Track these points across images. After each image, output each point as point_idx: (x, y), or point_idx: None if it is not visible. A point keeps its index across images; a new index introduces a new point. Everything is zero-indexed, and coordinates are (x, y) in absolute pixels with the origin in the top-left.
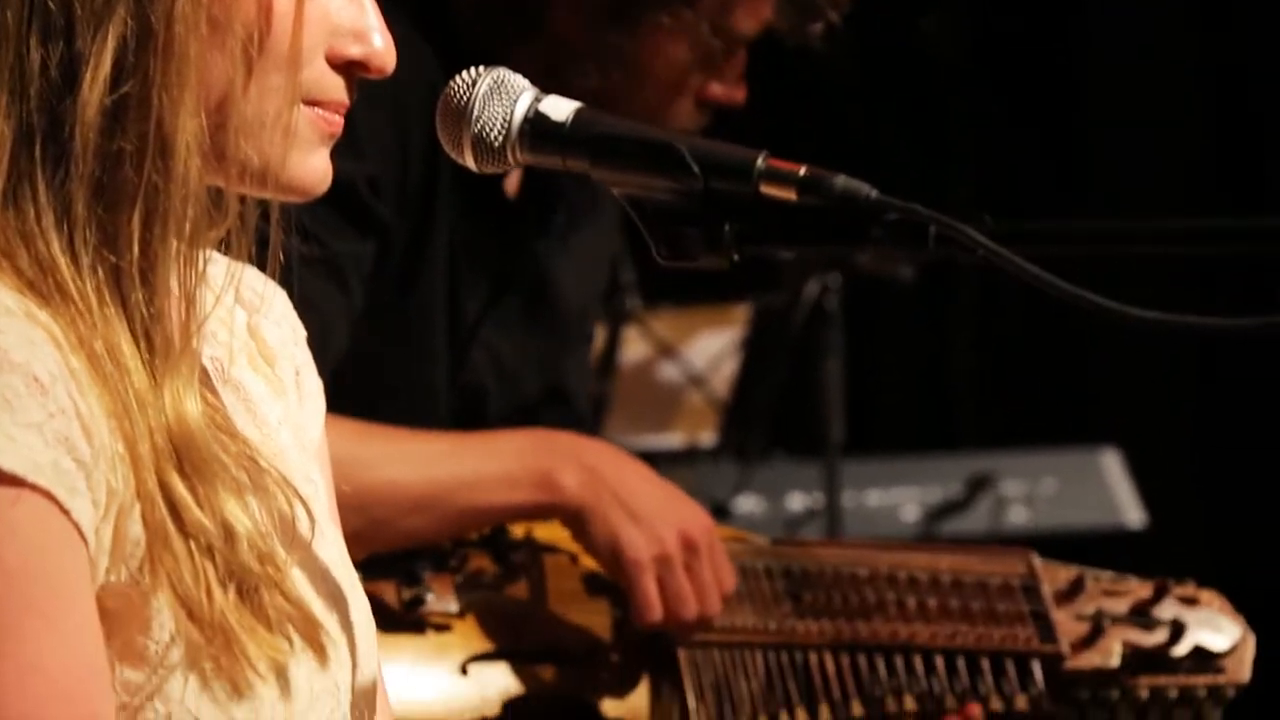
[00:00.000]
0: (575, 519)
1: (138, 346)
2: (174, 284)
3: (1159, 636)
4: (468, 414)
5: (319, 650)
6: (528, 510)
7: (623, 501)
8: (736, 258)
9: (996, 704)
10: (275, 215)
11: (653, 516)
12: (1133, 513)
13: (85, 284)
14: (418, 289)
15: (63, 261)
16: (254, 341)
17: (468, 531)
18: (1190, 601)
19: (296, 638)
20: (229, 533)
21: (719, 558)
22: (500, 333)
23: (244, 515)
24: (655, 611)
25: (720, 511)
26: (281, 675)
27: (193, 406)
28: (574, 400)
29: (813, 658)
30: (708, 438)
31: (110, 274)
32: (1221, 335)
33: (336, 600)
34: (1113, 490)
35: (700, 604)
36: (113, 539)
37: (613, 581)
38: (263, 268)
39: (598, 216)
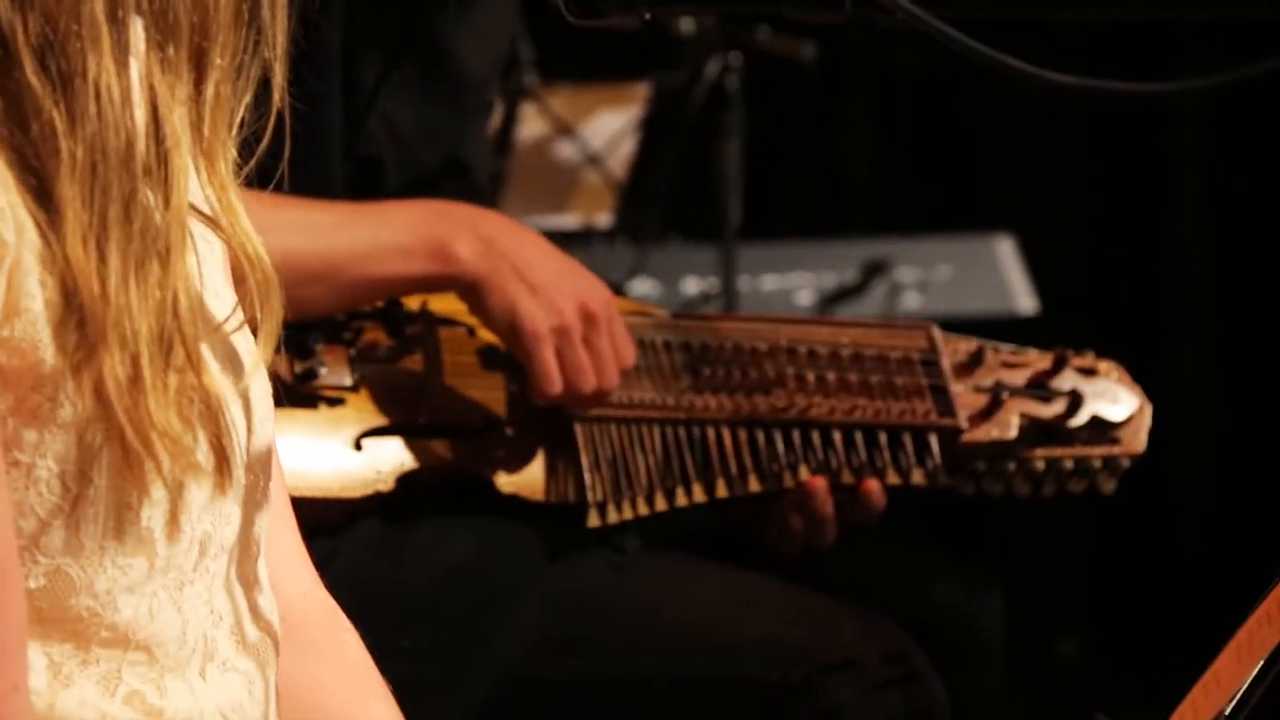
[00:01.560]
0: (471, 291)
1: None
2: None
3: (1056, 408)
4: (362, 185)
5: (223, 466)
6: (423, 281)
7: (520, 273)
8: (648, 17)
9: (893, 478)
10: None
11: (550, 288)
12: (1025, 299)
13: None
14: (313, 53)
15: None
16: None
17: (362, 303)
18: (1089, 372)
19: (205, 450)
20: (163, 325)
21: (618, 330)
22: (398, 103)
23: (185, 298)
24: (555, 384)
25: (615, 294)
26: (178, 490)
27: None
28: (473, 171)
29: (710, 432)
30: (604, 219)
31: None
32: (1137, 100)
33: (234, 365)
34: (1006, 277)
35: (598, 377)
36: (5, 292)
37: (509, 354)
38: None
39: None
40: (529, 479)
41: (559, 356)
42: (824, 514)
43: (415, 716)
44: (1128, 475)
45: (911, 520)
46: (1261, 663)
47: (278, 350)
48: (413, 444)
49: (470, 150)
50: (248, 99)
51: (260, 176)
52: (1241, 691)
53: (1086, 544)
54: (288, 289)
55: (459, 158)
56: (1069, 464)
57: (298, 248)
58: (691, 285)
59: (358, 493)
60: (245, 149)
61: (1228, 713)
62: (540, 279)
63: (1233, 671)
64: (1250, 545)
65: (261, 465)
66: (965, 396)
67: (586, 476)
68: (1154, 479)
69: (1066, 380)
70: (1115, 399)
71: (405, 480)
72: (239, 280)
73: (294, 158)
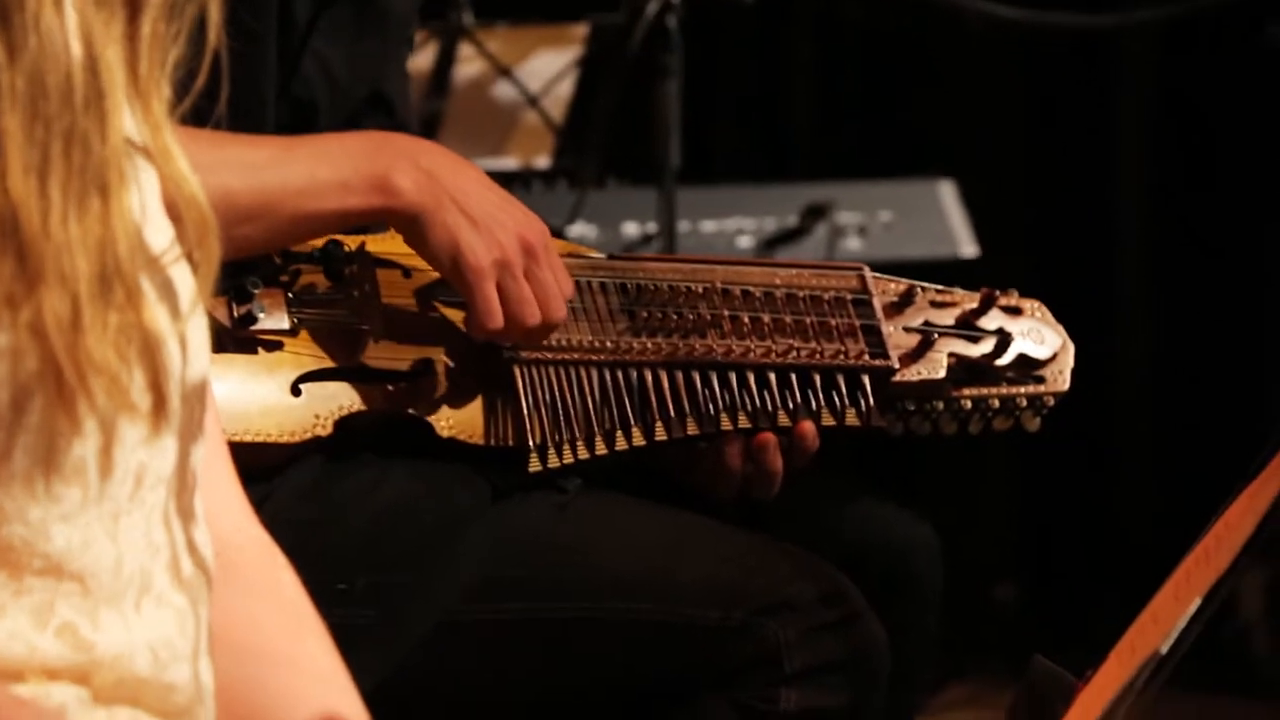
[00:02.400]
0: (412, 224)
1: None
2: None
3: (984, 348)
4: (296, 128)
5: (160, 406)
6: (363, 215)
7: (461, 206)
8: None
9: (828, 419)
10: None
11: (491, 221)
12: (966, 244)
13: None
14: None
15: None
16: None
17: (302, 240)
18: (1014, 311)
19: (141, 388)
20: (103, 262)
21: (557, 263)
22: (331, 42)
23: (125, 235)
24: (496, 318)
25: (555, 237)
26: (111, 427)
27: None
28: (396, 106)
29: (648, 375)
30: (543, 161)
31: None
32: (1078, 34)
33: (171, 301)
34: (947, 221)
35: (544, 309)
36: None
37: (448, 297)
38: None
39: None
40: (468, 422)
41: (501, 290)
42: (774, 469)
43: (353, 660)
44: (1066, 417)
45: (846, 464)
46: (1198, 601)
47: (216, 293)
48: (351, 388)
49: (392, 85)
50: (183, 38)
51: (195, 118)
52: (1178, 630)
53: (1024, 489)
54: (225, 228)
55: (381, 93)
56: (995, 403)
57: (234, 186)
58: (631, 229)
59: (296, 437)
60: (180, 90)
61: (1164, 650)
62: (481, 212)
63: (1170, 610)
64: (1187, 487)
65: (196, 396)
66: (896, 336)
67: (526, 420)
68: (1093, 420)
69: (993, 320)
70: (1040, 338)
71: (344, 424)
72: (173, 219)
73: (229, 98)
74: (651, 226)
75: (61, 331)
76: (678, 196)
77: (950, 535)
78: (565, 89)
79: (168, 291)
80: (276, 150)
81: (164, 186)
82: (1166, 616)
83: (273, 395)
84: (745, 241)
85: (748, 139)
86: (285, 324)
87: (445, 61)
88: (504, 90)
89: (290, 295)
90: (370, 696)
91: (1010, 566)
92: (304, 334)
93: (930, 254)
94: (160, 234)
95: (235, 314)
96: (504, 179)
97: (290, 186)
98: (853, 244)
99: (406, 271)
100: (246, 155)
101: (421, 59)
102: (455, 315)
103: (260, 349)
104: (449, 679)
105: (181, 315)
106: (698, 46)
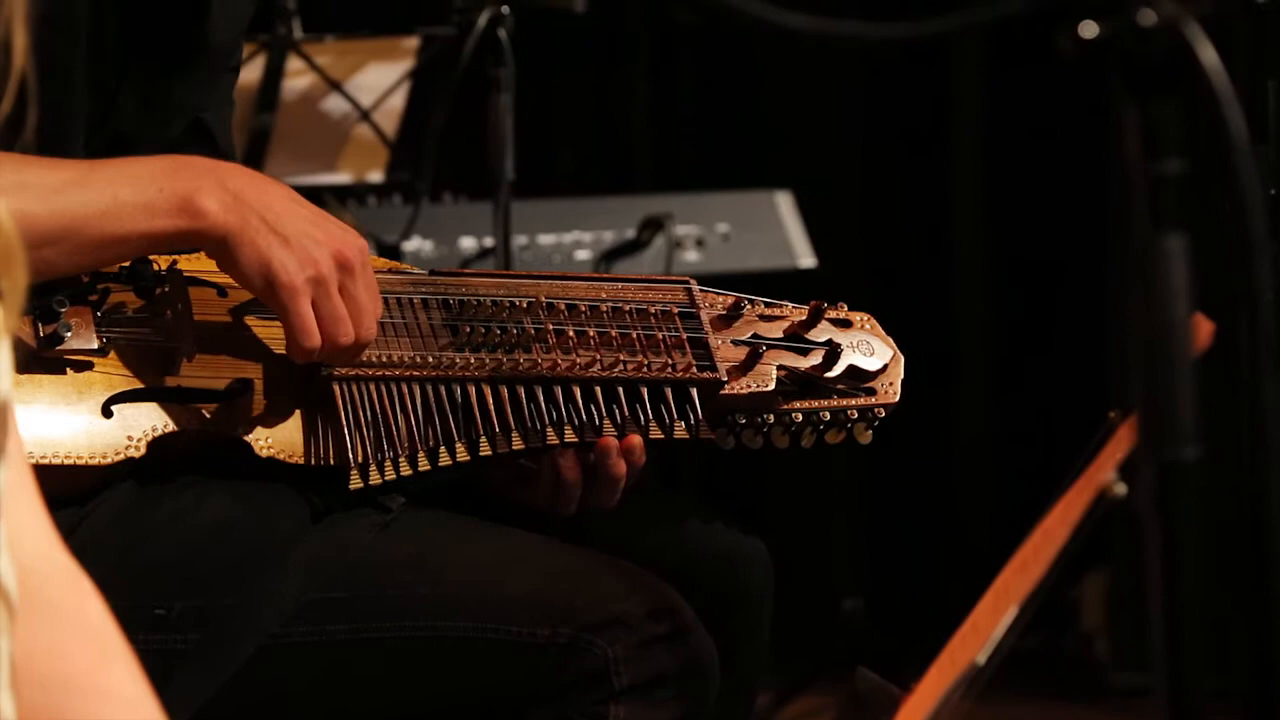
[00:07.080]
0: (221, 246)
1: None
2: None
3: (813, 360)
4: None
5: None
6: (169, 238)
7: (270, 224)
8: None
9: (656, 433)
10: None
11: (303, 238)
12: (804, 255)
13: None
14: (57, 16)
15: None
16: None
17: (106, 263)
18: (844, 324)
19: None
20: None
21: (371, 279)
22: (148, 73)
23: None
24: (313, 337)
25: (391, 253)
26: None
27: None
28: (217, 135)
29: (471, 390)
30: (376, 176)
31: None
32: (876, 46)
33: None
34: (785, 232)
35: (356, 327)
36: None
37: (264, 314)
38: None
39: None
40: (287, 441)
41: (316, 308)
42: (616, 474)
43: (175, 686)
44: (908, 431)
45: (690, 481)
46: (1014, 610)
47: (22, 314)
48: (164, 408)
49: (213, 115)
50: None
51: None
52: (995, 640)
53: (872, 505)
54: (24, 251)
55: (201, 122)
56: (826, 415)
57: (32, 209)
58: (468, 243)
59: (108, 459)
60: None
61: (981, 661)
62: (292, 229)
63: (989, 620)
64: (1027, 499)
65: None
66: (724, 349)
67: (347, 437)
68: (933, 434)
69: (822, 332)
70: (870, 350)
71: (158, 445)
72: None
73: (36, 127)
74: (488, 240)
75: None
76: (515, 210)
77: (799, 551)
78: (397, 102)
79: None
80: (77, 173)
81: None
82: (985, 626)
83: (83, 417)
84: (583, 254)
85: (585, 152)
86: (94, 344)
87: (274, 75)
88: (335, 104)
89: (99, 314)
90: None
91: (858, 581)
92: (114, 354)
93: (768, 265)
94: None
95: (41, 333)
96: (337, 194)
97: (92, 209)
98: (691, 256)
99: (221, 290)
100: (45, 178)
101: (249, 73)
102: (272, 334)
103: (69, 369)
104: (273, 703)
105: None
106: (532, 58)
